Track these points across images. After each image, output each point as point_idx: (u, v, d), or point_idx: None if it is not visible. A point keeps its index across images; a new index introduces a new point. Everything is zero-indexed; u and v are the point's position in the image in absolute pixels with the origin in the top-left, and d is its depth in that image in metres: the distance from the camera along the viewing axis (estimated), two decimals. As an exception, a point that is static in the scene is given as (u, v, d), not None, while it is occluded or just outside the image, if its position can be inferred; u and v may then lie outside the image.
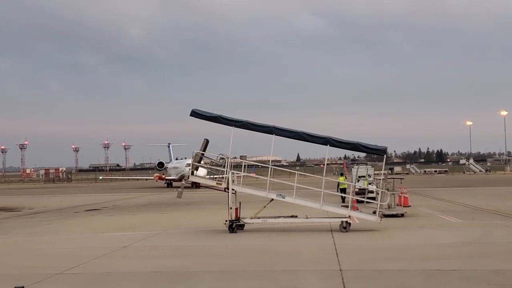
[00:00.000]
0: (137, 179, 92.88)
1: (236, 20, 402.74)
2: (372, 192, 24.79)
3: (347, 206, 19.88)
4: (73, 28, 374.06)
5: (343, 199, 29.88)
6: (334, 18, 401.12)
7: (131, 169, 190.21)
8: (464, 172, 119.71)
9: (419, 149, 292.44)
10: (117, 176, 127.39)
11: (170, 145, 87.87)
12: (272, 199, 19.56)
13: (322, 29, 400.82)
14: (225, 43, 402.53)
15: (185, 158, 74.17)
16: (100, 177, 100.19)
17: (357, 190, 28.76)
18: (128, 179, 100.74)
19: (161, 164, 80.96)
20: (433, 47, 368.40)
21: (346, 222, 18.76)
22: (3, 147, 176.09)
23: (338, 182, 32.02)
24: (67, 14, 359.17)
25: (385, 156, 20.39)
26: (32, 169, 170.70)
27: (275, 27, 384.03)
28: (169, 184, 68.59)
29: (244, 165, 21.95)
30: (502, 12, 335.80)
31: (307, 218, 19.62)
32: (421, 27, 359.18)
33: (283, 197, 19.48)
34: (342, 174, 39.48)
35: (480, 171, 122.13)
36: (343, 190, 32.30)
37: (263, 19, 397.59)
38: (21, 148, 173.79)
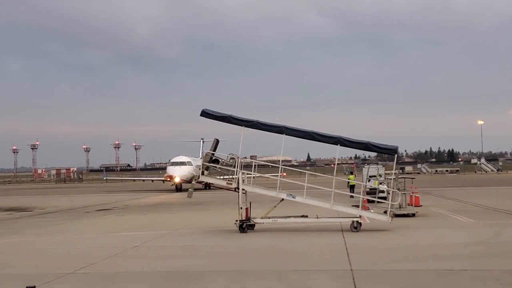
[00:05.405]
0: (152, 180, 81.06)
1: (243, 21, 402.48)
2: (383, 191, 24.77)
3: (357, 206, 19.81)
4: (82, 29, 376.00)
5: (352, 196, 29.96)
6: (341, 17, 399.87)
7: (141, 169, 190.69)
8: (475, 172, 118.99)
9: (430, 148, 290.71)
10: (127, 176, 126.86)
11: (203, 141, 77.38)
12: (283, 199, 19.55)
13: (330, 29, 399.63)
14: (233, 43, 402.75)
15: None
16: (104, 178, 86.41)
17: (368, 189, 28.79)
18: (143, 180, 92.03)
19: None
20: (443, 46, 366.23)
21: (357, 222, 18.67)
22: (14, 147, 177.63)
23: (348, 180, 33.71)
24: (76, 16, 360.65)
25: (396, 155, 20.32)
26: (44, 169, 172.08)
27: (282, 27, 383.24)
28: (179, 188, 54.91)
29: (255, 165, 21.90)
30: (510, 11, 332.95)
31: (317, 218, 19.55)
32: (430, 26, 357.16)
33: (293, 197, 19.43)
34: (351, 173, 40.69)
35: (492, 170, 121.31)
36: (352, 188, 34.17)
37: (270, 19, 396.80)
38: (32, 149, 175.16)
